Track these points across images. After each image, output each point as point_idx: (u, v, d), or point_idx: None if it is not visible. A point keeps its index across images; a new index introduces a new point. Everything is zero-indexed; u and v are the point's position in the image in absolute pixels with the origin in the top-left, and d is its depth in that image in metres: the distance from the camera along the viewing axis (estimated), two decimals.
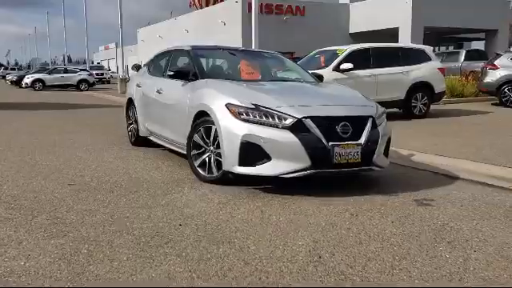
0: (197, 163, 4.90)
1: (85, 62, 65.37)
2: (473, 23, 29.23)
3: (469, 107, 13.68)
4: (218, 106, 4.57)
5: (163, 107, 6.01)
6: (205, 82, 5.23)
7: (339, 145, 4.24)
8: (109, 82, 41.17)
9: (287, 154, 4.21)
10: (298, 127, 4.24)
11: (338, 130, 4.30)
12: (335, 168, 4.32)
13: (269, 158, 4.25)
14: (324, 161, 4.25)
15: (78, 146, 7.29)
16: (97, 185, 4.85)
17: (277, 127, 4.25)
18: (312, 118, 4.28)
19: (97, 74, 37.66)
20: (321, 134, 4.23)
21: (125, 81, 24.63)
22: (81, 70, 33.08)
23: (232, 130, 4.37)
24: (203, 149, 4.86)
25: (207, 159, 4.82)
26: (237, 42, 28.43)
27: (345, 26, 32.59)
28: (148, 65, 7.37)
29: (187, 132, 5.05)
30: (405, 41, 25.90)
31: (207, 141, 4.80)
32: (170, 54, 6.49)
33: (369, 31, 30.10)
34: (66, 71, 31.66)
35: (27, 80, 30.38)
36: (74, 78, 30.41)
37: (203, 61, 5.82)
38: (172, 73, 5.50)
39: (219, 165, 4.65)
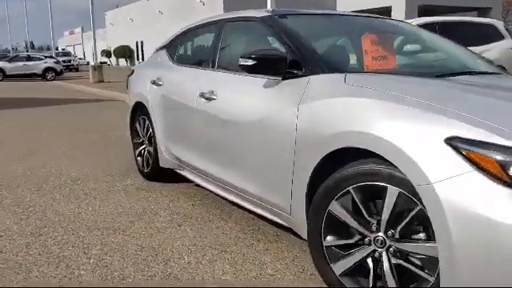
0: (342, 270, 2.18)
1: (48, 49, 61.21)
2: (467, 1, 28.65)
3: None
4: (422, 148, 1.85)
5: (219, 126, 3.22)
6: (340, 82, 2.45)
7: None
8: (77, 70, 37.50)
9: None
10: None
11: None
12: None
13: None
14: None
15: (54, 186, 4.41)
16: None
17: None
18: None
19: (64, 62, 33.95)
20: None
21: (98, 69, 21.43)
22: (46, 57, 29.43)
23: (490, 220, 1.65)
24: (360, 238, 2.14)
25: (378, 269, 2.11)
26: None
27: (331, 5, 30.48)
28: (168, 48, 4.49)
29: (295, 188, 2.46)
30: None
31: (371, 221, 2.09)
32: (220, 28, 3.64)
33: (358, 10, 28.02)
34: (29, 58, 27.98)
35: None
36: (39, 66, 26.81)
37: (299, 37, 2.98)
38: (249, 62, 2.69)
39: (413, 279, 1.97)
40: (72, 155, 5.72)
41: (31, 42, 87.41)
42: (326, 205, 2.24)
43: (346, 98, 2.29)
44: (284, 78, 2.72)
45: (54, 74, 26.58)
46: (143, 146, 4.60)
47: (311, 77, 2.57)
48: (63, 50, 57.77)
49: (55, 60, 28.54)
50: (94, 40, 23.63)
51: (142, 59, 50.42)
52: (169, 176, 4.31)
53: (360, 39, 3.22)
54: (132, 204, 3.81)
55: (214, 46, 3.62)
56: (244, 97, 3.01)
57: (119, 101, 13.15)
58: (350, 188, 2.14)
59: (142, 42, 50.90)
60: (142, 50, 51.06)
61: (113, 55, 55.74)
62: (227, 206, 3.69)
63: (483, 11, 31.77)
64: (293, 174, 2.50)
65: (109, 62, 56.28)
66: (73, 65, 37.89)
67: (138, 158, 4.71)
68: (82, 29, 75.16)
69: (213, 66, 3.56)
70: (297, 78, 2.65)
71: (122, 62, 55.24)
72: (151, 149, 4.37)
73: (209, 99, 3.33)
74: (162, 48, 4.62)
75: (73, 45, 78.06)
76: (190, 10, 39.48)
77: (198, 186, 3.92)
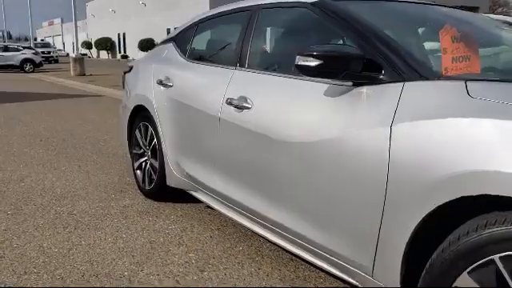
0: None
1: (26, 39, 59.45)
2: (454, 0, 28.22)
3: None
4: None
5: (257, 144, 2.46)
6: (462, 93, 1.68)
7: None
8: (57, 62, 36.14)
9: None
10: None
11: None
12: None
13: None
14: None
15: (36, 208, 3.61)
16: None
17: None
18: None
19: (43, 53, 32.60)
20: None
21: (80, 61, 20.37)
22: (24, 47, 28.11)
23: None
24: None
25: None
26: None
27: None
28: (178, 40, 3.70)
29: (383, 244, 1.77)
30: None
31: None
32: (251, 17, 2.87)
33: None
34: (6, 49, 26.62)
35: None
36: (17, 57, 25.53)
37: (377, 29, 2.22)
38: (312, 62, 1.93)
39: None
40: (56, 165, 4.90)
41: (8, 32, 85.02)
42: (450, 279, 1.52)
43: (475, 119, 1.56)
44: (356, 84, 1.98)
45: (32, 66, 25.38)
46: (144, 159, 3.83)
47: (406, 84, 1.84)
48: (42, 40, 56.02)
49: (34, 51, 27.27)
50: (76, 30, 22.49)
51: (124, 51, 49.28)
52: (174, 194, 3.55)
53: (436, 33, 2.48)
54: (135, 235, 3.04)
55: (244, 39, 2.85)
56: (295, 107, 2.25)
57: (104, 96, 12.27)
58: (495, 257, 1.42)
59: (124, 34, 49.71)
60: (124, 42, 49.88)
61: (94, 47, 54.37)
62: (255, 239, 2.95)
63: (470, 10, 31.43)
64: (380, 224, 1.77)
65: (89, 54, 54.84)
66: (52, 56, 36.50)
67: (138, 171, 3.93)
68: (62, 20, 73.42)
69: (241, 65, 2.79)
70: (379, 85, 1.92)
71: (103, 54, 53.91)
72: (155, 162, 3.60)
73: (240, 108, 2.57)
74: (168, 40, 3.84)
75: (52, 36, 76.20)
76: (175, 2, 38.42)
77: (209, 207, 3.17)
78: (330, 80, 2.05)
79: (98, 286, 2.40)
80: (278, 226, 2.37)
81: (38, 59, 26.09)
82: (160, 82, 3.49)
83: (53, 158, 5.20)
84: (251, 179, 2.55)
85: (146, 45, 43.33)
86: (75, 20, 22.55)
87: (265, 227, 2.51)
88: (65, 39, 71.06)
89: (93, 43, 54.12)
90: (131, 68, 4.16)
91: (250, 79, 2.66)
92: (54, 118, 8.33)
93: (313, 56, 1.95)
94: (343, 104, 2.00)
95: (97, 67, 25.44)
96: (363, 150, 1.83)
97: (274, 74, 2.52)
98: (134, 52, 46.18)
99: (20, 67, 25.11)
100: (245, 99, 2.56)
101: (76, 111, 9.19)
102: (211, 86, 2.96)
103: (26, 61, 25.38)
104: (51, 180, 4.31)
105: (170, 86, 3.37)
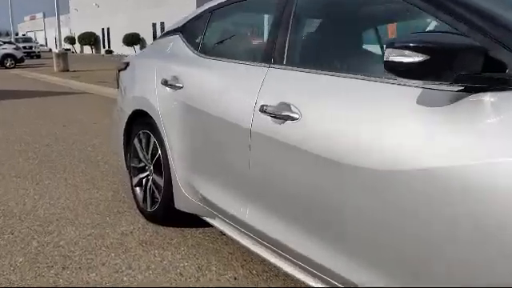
0: None
1: (8, 34, 58.12)
2: None
3: None
4: None
5: (311, 167, 1.82)
6: None
7: None
8: (39, 57, 35.08)
9: None
10: None
11: None
12: None
13: None
14: None
15: (14, 239, 2.95)
16: None
17: None
18: None
19: (24, 48, 31.53)
20: None
21: (63, 56, 19.52)
22: (5, 42, 27.05)
23: None
24: None
25: None
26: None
27: None
28: (185, 32, 3.03)
29: None
30: None
31: None
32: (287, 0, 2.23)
33: None
34: None
35: None
36: None
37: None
38: (416, 57, 1.31)
39: None
40: (38, 178, 4.22)
41: None
42: None
43: None
44: (473, 90, 1.36)
45: (13, 62, 24.38)
46: (145, 174, 3.18)
47: None
48: (24, 35, 54.61)
49: (15, 46, 26.31)
50: (59, 25, 21.60)
51: (109, 46, 48.24)
52: (181, 217, 2.92)
53: None
54: (139, 278, 2.41)
55: (280, 27, 2.21)
56: (371, 121, 1.62)
57: (90, 94, 11.53)
58: None
59: (108, 29, 48.65)
60: (109, 37, 48.83)
61: (77, 42, 53.18)
62: (289, 281, 2.33)
63: None
64: None
65: (73, 49, 53.64)
66: (34, 52, 35.46)
67: (137, 189, 3.29)
68: (44, 14, 71.91)
69: (278, 62, 2.16)
70: (509, 91, 1.31)
71: (87, 49, 52.76)
72: (159, 180, 2.96)
73: (280, 118, 1.94)
74: (173, 32, 3.18)
75: (34, 31, 74.59)
76: None
77: (224, 234, 2.53)
78: (432, 83, 1.42)
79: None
80: (330, 274, 1.75)
81: (19, 54, 25.10)
82: (165, 83, 2.84)
83: (35, 168, 4.51)
84: (296, 211, 1.92)
85: (132, 40, 42.39)
86: (58, 14, 21.65)
87: (310, 274, 1.88)
88: (47, 34, 69.57)
89: (76, 38, 52.91)
90: (127, 65, 3.49)
91: (294, 80, 2.03)
92: (36, 118, 7.60)
93: (413, 49, 1.32)
94: (454, 118, 1.38)
95: (81, 63, 24.53)
96: (495, 188, 1.22)
97: (332, 73, 1.88)
98: (118, 47, 45.14)
99: (0, 63, 24.10)
100: (288, 107, 1.92)
101: (60, 111, 8.46)
102: (236, 88, 2.32)
103: (6, 56, 24.39)
104: (33, 198, 3.64)
105: (179, 88, 2.72)
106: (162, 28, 39.72)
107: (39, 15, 75.09)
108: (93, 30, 50.29)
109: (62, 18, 44.94)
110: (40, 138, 5.98)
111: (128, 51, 43.44)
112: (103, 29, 49.37)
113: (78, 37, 51.91)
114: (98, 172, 4.35)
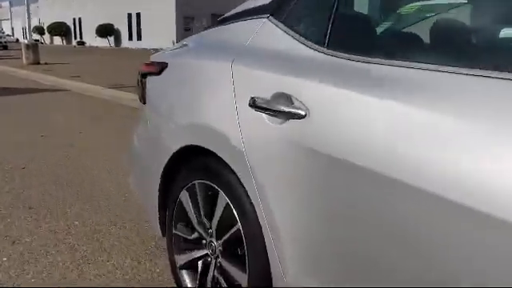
0: None
1: None
2: None
3: None
4: None
5: None
6: None
7: None
8: (5, 48, 32.88)
9: None
10: None
11: None
12: None
13: None
14: None
15: None
16: None
17: None
18: None
19: None
20: None
21: (33, 47, 17.78)
22: None
23: None
24: None
25: None
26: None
27: None
28: (290, 16, 1.66)
29: None
30: None
31: None
32: None
33: None
34: None
35: None
36: None
37: None
38: None
39: None
40: (13, 235, 2.85)
41: None
42: None
43: None
44: None
45: None
46: (202, 253, 1.87)
47: None
48: None
49: None
50: (28, 14, 19.81)
51: (80, 37, 46.17)
52: None
53: None
54: None
55: None
56: None
57: (67, 91, 10.03)
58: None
59: (79, 19, 46.54)
60: (80, 28, 46.74)
61: (46, 32, 50.77)
62: None
63: None
64: None
65: (42, 40, 51.17)
66: (1, 42, 33.26)
67: (184, 273, 1.97)
68: (11, 3, 68.98)
69: None
70: None
71: (57, 40, 50.43)
72: (236, 272, 1.66)
73: None
74: (252, 14, 1.84)
75: None
76: None
77: None
78: None
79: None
80: None
81: None
82: (259, 106, 1.52)
83: (5, 212, 3.13)
84: None
85: (105, 31, 40.47)
86: (28, 3, 19.86)
87: None
88: (14, 24, 66.70)
89: (45, 28, 50.48)
90: (164, 67, 2.12)
91: None
92: (5, 126, 6.14)
93: None
94: None
95: (52, 54, 22.72)
96: None
97: None
98: (91, 38, 43.13)
99: None
100: None
101: (36, 113, 6.99)
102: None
103: None
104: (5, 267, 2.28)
105: (297, 116, 1.40)
106: (139, 19, 37.95)
107: (5, 4, 72.11)
108: (63, 20, 48.05)
109: (31, 7, 42.76)
110: (10, 154, 4.55)
111: (101, 43, 41.47)
112: (74, 19, 47.23)
113: (48, 27, 49.51)
114: (103, 217, 3.00)
